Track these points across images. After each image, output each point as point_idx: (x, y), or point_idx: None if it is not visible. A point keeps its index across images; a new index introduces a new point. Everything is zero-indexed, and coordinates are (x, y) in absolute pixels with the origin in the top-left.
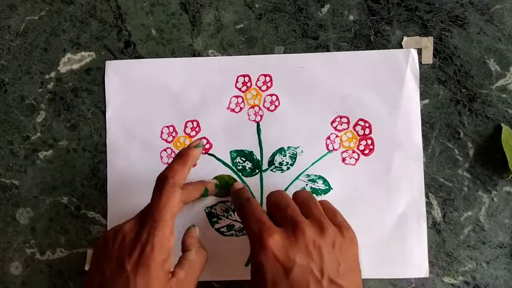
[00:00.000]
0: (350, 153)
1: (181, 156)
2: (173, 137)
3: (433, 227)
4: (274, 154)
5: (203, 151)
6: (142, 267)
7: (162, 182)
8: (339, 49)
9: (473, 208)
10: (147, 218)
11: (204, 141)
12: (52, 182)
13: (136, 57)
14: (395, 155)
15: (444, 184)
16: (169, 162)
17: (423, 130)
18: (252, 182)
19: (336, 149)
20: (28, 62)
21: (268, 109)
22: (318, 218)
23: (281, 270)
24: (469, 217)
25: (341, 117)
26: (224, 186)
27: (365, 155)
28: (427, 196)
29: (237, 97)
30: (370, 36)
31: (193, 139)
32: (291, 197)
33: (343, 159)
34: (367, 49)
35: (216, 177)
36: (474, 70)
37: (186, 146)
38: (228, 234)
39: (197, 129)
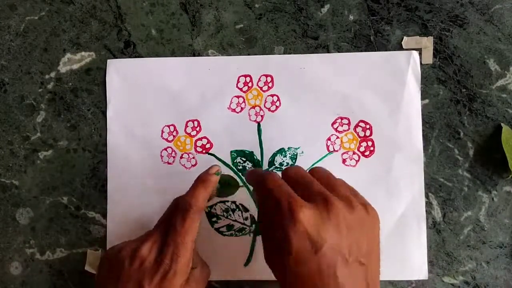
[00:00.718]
0: (350, 154)
1: (203, 182)
2: (174, 136)
3: (433, 227)
4: (274, 155)
5: (204, 151)
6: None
7: (185, 208)
8: (339, 49)
9: (473, 208)
10: (169, 242)
11: (221, 170)
12: (52, 182)
13: (136, 57)
14: (396, 157)
15: (444, 184)
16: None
17: (423, 130)
18: None
19: (337, 151)
20: (28, 62)
21: (269, 109)
22: (346, 195)
23: (310, 246)
24: (469, 217)
25: (342, 118)
26: (225, 186)
27: (366, 156)
28: (427, 196)
29: (238, 97)
30: (370, 36)
31: (194, 138)
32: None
33: (344, 161)
34: (367, 49)
35: None
36: (474, 70)
37: (186, 145)
38: (228, 234)
39: (197, 129)
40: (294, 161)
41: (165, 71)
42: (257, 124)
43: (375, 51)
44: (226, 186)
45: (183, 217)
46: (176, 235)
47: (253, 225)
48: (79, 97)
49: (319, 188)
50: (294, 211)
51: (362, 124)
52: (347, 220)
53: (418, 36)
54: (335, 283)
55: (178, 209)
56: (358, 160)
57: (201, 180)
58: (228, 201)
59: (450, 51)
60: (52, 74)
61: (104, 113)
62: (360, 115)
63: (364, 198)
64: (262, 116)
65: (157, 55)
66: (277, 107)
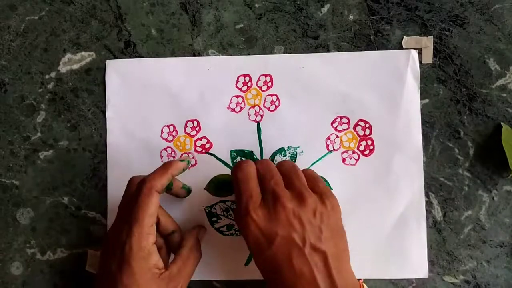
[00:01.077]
0: (350, 153)
1: (164, 165)
2: (173, 136)
3: (434, 226)
4: (274, 154)
5: (203, 151)
6: (124, 265)
7: (140, 185)
8: (339, 48)
9: (473, 207)
10: (127, 220)
11: (193, 161)
12: (52, 182)
13: (136, 57)
14: (395, 156)
15: (444, 183)
16: None
17: (423, 130)
18: None
19: (336, 150)
20: (28, 62)
21: (268, 109)
22: (299, 189)
23: (264, 240)
24: (469, 216)
25: (341, 117)
26: (224, 185)
27: (365, 155)
28: (427, 196)
29: (237, 97)
30: (370, 35)
31: (193, 138)
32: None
33: (343, 160)
34: (367, 49)
35: (216, 177)
36: (474, 69)
37: (185, 145)
38: (228, 234)
39: (197, 129)
40: (294, 160)
41: (164, 71)
42: (256, 123)
43: (375, 50)
44: (226, 185)
45: (137, 194)
46: (131, 211)
47: None
48: (80, 97)
49: (274, 186)
50: (249, 210)
51: (362, 123)
52: (298, 213)
53: (418, 36)
54: (292, 271)
55: (136, 188)
56: (358, 159)
57: (164, 163)
58: (228, 201)
59: (450, 51)
60: (52, 74)
61: (104, 113)
62: (360, 114)
63: (325, 188)
64: (261, 116)
65: (157, 55)
66: (276, 106)
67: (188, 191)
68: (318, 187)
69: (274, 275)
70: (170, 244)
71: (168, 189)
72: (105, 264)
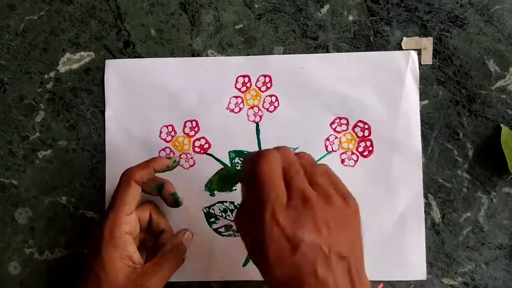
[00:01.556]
0: (349, 154)
1: (149, 159)
2: (172, 136)
3: (432, 228)
4: None
5: (202, 151)
6: (96, 253)
7: (121, 176)
8: (338, 49)
9: (472, 209)
10: (107, 208)
11: (182, 161)
12: (51, 182)
13: (135, 57)
14: (394, 157)
15: (443, 185)
16: None
17: (422, 131)
18: None
19: (335, 151)
20: (27, 62)
21: (267, 109)
22: (325, 189)
23: (288, 246)
24: (468, 218)
25: (340, 118)
26: (228, 178)
27: (364, 156)
28: (426, 197)
29: (236, 97)
30: (370, 36)
31: (192, 138)
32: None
33: (342, 161)
34: (366, 50)
35: (221, 171)
36: (474, 70)
37: (184, 145)
38: (226, 234)
39: (196, 129)
40: None
41: (163, 71)
42: (255, 124)
43: (375, 51)
44: (230, 178)
45: (117, 184)
46: (110, 200)
47: None
48: (79, 97)
49: (301, 184)
50: (275, 214)
51: (361, 124)
52: (325, 216)
53: (417, 37)
54: (316, 280)
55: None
56: (357, 160)
57: (152, 158)
58: (226, 202)
59: (450, 52)
60: (52, 74)
61: (103, 113)
62: (359, 115)
63: (345, 188)
64: (260, 117)
65: (157, 55)
66: (275, 107)
67: (176, 201)
68: (338, 187)
69: (291, 284)
70: (158, 243)
71: (159, 191)
72: (86, 253)
